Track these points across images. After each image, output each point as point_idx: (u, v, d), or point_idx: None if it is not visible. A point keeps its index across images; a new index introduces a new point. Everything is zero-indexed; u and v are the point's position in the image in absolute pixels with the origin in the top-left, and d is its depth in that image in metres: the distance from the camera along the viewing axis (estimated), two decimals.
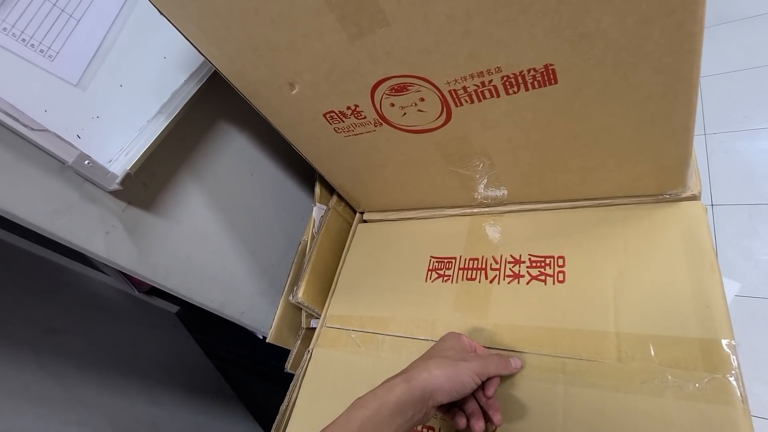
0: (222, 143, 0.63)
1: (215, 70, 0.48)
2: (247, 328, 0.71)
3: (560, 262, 0.47)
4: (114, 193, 0.50)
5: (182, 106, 0.53)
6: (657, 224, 0.44)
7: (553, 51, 0.33)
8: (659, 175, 0.42)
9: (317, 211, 0.66)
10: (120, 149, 0.49)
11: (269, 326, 0.61)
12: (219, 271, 0.64)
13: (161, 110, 0.52)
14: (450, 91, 0.40)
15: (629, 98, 0.35)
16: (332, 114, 0.48)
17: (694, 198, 0.43)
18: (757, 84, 1.17)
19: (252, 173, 0.68)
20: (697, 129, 1.19)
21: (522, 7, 0.31)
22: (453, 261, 0.54)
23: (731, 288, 1.03)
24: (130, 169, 0.48)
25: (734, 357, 0.33)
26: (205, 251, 0.62)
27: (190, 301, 0.61)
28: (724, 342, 0.33)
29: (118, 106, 0.51)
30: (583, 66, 0.34)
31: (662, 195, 0.44)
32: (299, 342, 0.63)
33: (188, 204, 0.60)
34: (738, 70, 1.23)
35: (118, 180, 0.47)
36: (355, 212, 0.70)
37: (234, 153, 0.65)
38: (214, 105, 0.61)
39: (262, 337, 0.69)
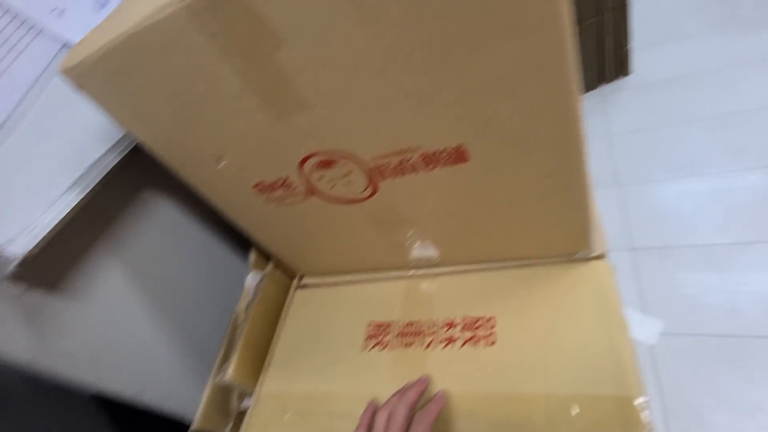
0: (146, 213, 0.60)
1: (138, 143, 0.46)
2: (171, 416, 0.63)
3: (491, 323, 0.48)
4: (11, 276, 0.45)
5: (100, 178, 0.50)
6: (572, 284, 0.47)
7: (463, 134, 0.37)
8: (567, 239, 0.46)
9: (252, 279, 0.63)
10: (22, 228, 0.45)
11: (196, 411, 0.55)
12: (138, 353, 0.58)
13: (75, 183, 0.49)
14: (374, 167, 0.42)
15: (532, 174, 0.39)
16: (262, 186, 0.48)
17: (602, 257, 0.48)
18: (655, 141, 1.37)
19: (179, 242, 0.64)
20: (613, 181, 1.35)
21: (431, 98, 0.34)
22: (390, 327, 0.54)
23: (656, 327, 1.11)
24: (32, 249, 0.44)
25: (645, 414, 0.35)
26: (123, 332, 0.56)
27: (100, 392, 0.54)
28: (637, 401, 0.36)
29: (26, 179, 0.47)
30: (489, 147, 0.37)
31: (573, 255, 0.48)
32: (229, 428, 0.57)
33: (104, 280, 0.55)
34: (639, 129, 1.44)
35: (14, 263, 0.42)
36: (293, 277, 0.68)
37: (159, 223, 0.62)
38: (137, 175, 0.59)
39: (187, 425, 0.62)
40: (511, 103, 0.33)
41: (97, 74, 0.38)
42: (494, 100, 0.33)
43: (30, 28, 0.48)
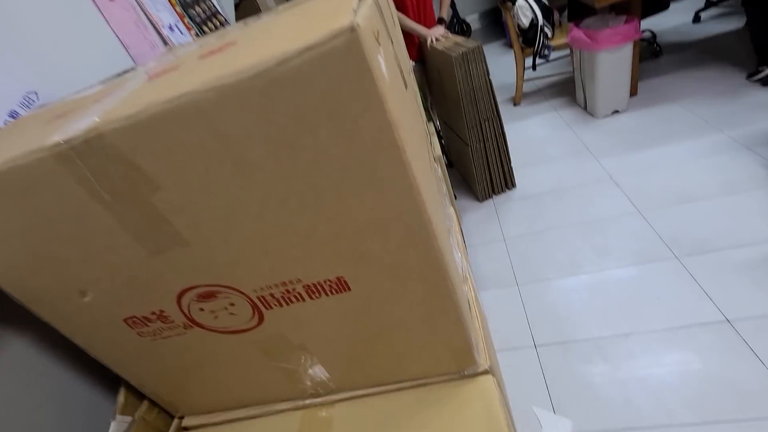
0: None
1: None
2: None
3: None
4: None
5: None
6: (463, 401, 0.48)
7: (341, 267, 0.39)
8: (455, 357, 0.48)
9: (116, 427, 0.53)
10: None
11: None
12: None
13: None
14: (259, 297, 0.41)
15: (409, 300, 0.42)
16: (135, 319, 0.44)
17: (486, 372, 0.50)
18: (541, 243, 1.57)
19: (27, 386, 0.53)
20: (511, 281, 1.47)
21: (308, 236, 0.36)
22: None
23: (565, 425, 1.14)
24: None
25: None
26: None
27: None
28: None
29: None
30: (367, 277, 0.40)
31: (462, 372, 0.50)
32: None
33: None
34: (528, 233, 1.65)
35: None
36: (172, 418, 0.59)
37: (5, 363, 0.51)
38: None
39: None
40: (379, 240, 0.37)
41: None
42: (365, 238, 0.37)
43: None
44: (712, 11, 2.73)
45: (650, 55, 2.49)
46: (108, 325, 0.44)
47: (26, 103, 0.57)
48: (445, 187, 0.87)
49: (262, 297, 0.41)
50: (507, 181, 1.87)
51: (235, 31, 0.43)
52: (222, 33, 0.48)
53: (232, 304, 0.42)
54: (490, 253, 1.63)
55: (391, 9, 0.57)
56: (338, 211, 0.35)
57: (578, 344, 1.21)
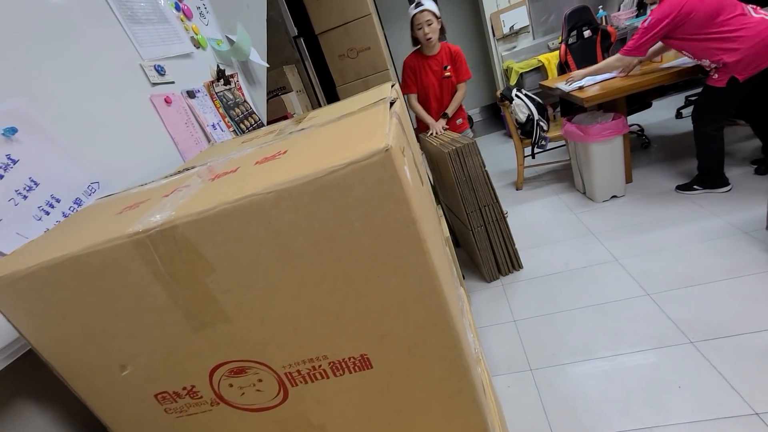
0: (14, 426, 0.51)
1: (30, 349, 0.44)
2: None
3: None
4: None
5: None
6: None
7: (365, 345, 0.42)
8: None
9: None
10: None
11: None
12: None
13: None
14: (286, 373, 0.44)
15: (428, 379, 0.44)
16: (165, 395, 0.46)
17: None
18: (552, 326, 1.55)
19: None
20: (524, 365, 1.43)
21: (337, 315, 0.41)
22: None
23: None
24: None
25: None
26: None
27: None
28: None
29: None
30: (388, 355, 0.43)
31: None
32: None
33: None
34: (537, 315, 1.63)
35: None
36: None
37: None
38: (15, 384, 0.53)
39: None
40: (400, 321, 0.41)
41: (20, 287, 0.40)
42: (388, 318, 0.41)
43: None
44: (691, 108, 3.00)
45: (641, 146, 2.69)
46: (138, 401, 0.46)
47: (89, 191, 0.65)
48: (455, 268, 0.92)
49: (289, 374, 0.44)
50: (513, 263, 1.91)
51: (284, 140, 0.52)
52: (269, 137, 0.58)
53: (260, 380, 0.44)
54: (501, 335, 1.60)
55: (406, 119, 0.67)
56: (365, 293, 0.39)
57: None
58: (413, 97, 2.13)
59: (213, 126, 0.97)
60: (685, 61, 1.93)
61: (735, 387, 1.12)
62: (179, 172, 0.57)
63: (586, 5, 2.74)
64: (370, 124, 0.42)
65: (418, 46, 2.06)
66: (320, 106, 2.61)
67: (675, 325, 1.37)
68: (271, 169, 0.40)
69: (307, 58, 2.63)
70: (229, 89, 1.08)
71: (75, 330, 0.42)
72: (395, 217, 0.35)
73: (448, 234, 1.21)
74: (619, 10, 3.27)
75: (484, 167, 1.71)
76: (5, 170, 0.54)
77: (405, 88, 2.12)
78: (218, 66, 1.08)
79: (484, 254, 1.85)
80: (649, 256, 1.72)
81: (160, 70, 0.87)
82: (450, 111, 2.08)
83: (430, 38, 1.94)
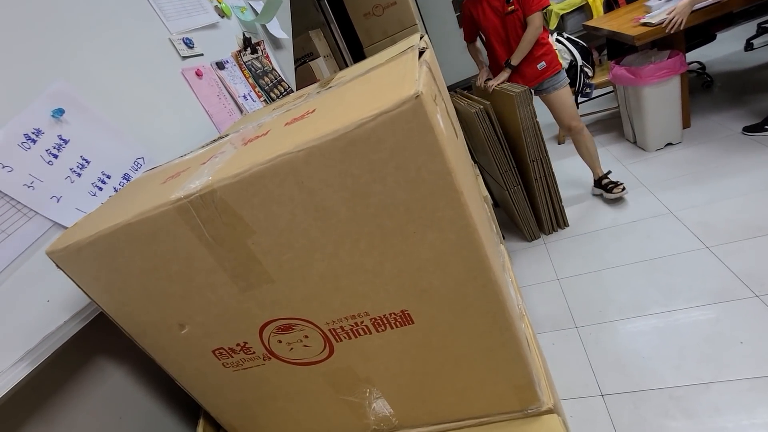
0: (90, 385, 0.57)
1: (101, 312, 0.49)
2: None
3: None
4: None
5: (53, 350, 0.50)
6: None
7: (405, 301, 0.42)
8: (517, 394, 0.48)
9: None
10: None
11: None
12: None
13: (24, 356, 0.48)
14: (330, 330, 0.46)
15: (470, 333, 0.44)
16: (221, 350, 0.49)
17: (550, 411, 0.49)
18: (599, 283, 1.49)
19: (121, 416, 0.60)
20: (570, 323, 1.40)
21: (376, 273, 0.41)
22: None
23: None
24: None
25: None
26: None
27: None
28: None
29: None
30: (429, 311, 0.43)
31: (526, 410, 0.50)
32: None
33: None
34: (582, 273, 1.58)
35: None
36: None
37: (102, 395, 0.58)
38: (92, 344, 0.59)
39: None
40: (440, 276, 0.40)
41: (84, 256, 0.43)
42: (427, 274, 0.40)
43: (24, 215, 0.54)
44: (766, 37, 2.64)
45: (701, 86, 2.42)
46: (198, 356, 0.50)
47: (135, 167, 0.69)
48: (494, 226, 0.89)
49: (333, 330, 0.45)
50: (558, 220, 1.83)
51: (311, 100, 0.51)
52: (297, 101, 0.57)
53: (306, 336, 0.46)
54: (545, 294, 1.57)
55: (436, 69, 0.63)
56: (403, 249, 0.39)
57: (651, 395, 1.11)
58: (471, 45, 1.84)
59: (244, 97, 0.97)
60: None
61: None
62: (214, 141, 0.58)
63: None
64: (399, 72, 0.39)
65: None
66: None
67: (737, 278, 1.28)
68: (301, 129, 0.39)
69: (332, 20, 2.55)
70: (257, 58, 1.08)
71: (136, 293, 0.46)
72: (429, 169, 0.34)
73: (487, 193, 1.17)
74: None
75: (536, 118, 1.58)
76: (59, 150, 0.58)
77: (465, 37, 1.86)
78: (244, 34, 1.07)
79: (523, 213, 1.79)
80: (708, 207, 1.58)
81: (189, 43, 0.87)
82: (515, 59, 1.67)
83: None
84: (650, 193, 1.80)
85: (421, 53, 0.51)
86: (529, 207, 1.79)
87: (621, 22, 2.07)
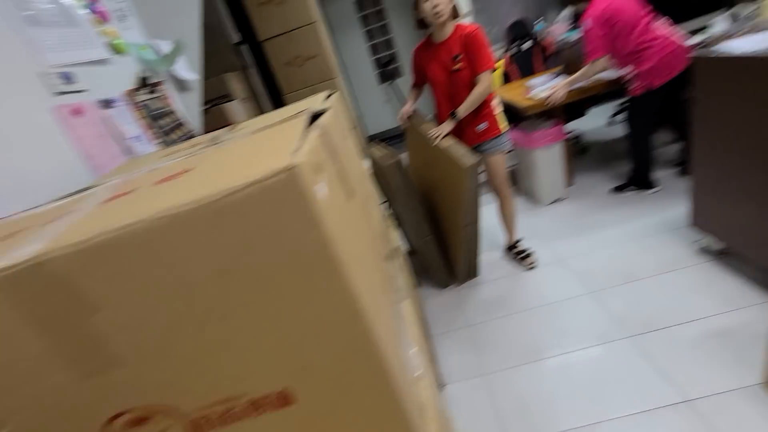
0: None
1: None
2: None
3: None
4: None
5: None
6: None
7: (284, 380, 0.38)
8: None
9: None
10: None
11: None
12: None
13: None
14: (196, 419, 0.39)
15: (355, 410, 0.41)
16: None
17: None
18: (503, 329, 1.58)
19: None
20: (477, 371, 1.43)
21: (248, 351, 0.36)
22: None
23: None
24: None
25: None
26: None
27: None
28: None
29: None
30: (311, 389, 0.39)
31: None
32: None
33: None
34: (489, 319, 1.67)
35: None
36: None
37: None
38: None
39: None
40: (320, 351, 0.37)
41: None
42: (306, 350, 0.37)
43: None
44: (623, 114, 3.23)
45: (579, 151, 2.85)
46: None
47: None
48: (401, 280, 0.89)
49: (200, 418, 0.39)
50: (471, 272, 1.92)
51: (198, 154, 0.47)
52: (191, 149, 0.53)
53: (165, 430, 0.39)
54: (455, 341, 1.61)
55: (341, 127, 0.64)
56: (278, 325, 0.36)
57: None
58: (415, 89, 1.79)
59: (136, 138, 0.89)
60: (610, 74, 2.06)
61: (669, 376, 1.19)
62: (76, 192, 0.51)
63: (522, 19, 2.88)
64: (282, 138, 0.38)
65: (428, 31, 1.60)
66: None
67: (613, 321, 1.45)
68: (169, 190, 0.35)
69: (251, 65, 2.55)
70: (156, 98, 1.01)
71: None
72: (305, 241, 0.32)
73: (398, 244, 1.19)
74: (554, 24, 3.47)
75: (480, 191, 1.54)
76: None
77: (412, 83, 1.81)
78: (143, 73, 1.00)
79: (435, 263, 1.86)
80: (590, 256, 1.81)
81: (68, 78, 0.78)
82: (461, 111, 1.58)
83: (440, 14, 1.44)
84: (544, 243, 2.01)
85: (318, 116, 0.51)
86: (439, 258, 1.86)
87: (515, 94, 2.39)
